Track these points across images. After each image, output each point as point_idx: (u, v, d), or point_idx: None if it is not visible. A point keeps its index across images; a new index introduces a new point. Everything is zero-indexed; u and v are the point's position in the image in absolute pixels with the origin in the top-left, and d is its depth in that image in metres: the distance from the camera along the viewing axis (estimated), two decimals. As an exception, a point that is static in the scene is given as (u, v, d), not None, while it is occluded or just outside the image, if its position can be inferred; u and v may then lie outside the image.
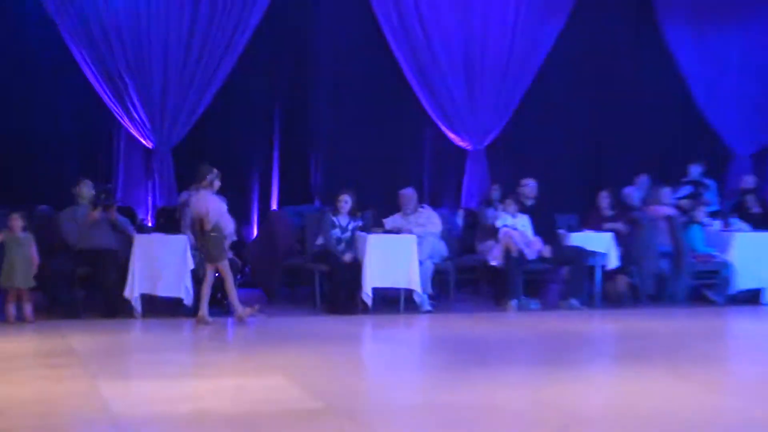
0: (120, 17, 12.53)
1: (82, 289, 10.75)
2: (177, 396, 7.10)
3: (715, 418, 6.82)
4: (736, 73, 14.93)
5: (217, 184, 10.66)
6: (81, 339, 9.33)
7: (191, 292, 10.61)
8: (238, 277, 11.16)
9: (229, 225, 10.67)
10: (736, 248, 12.47)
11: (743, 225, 12.98)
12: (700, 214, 12.85)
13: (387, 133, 13.81)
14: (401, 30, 13.57)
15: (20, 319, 9.96)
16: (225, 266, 10.41)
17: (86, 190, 10.93)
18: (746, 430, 6.57)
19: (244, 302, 10.68)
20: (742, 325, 11.74)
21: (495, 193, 12.61)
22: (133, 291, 10.53)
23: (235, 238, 11.18)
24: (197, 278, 10.59)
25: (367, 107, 13.70)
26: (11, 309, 9.98)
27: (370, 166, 13.56)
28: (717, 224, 13.03)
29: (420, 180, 13.63)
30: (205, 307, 10.26)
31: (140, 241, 10.74)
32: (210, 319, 10.24)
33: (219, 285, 10.57)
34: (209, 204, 10.47)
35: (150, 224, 12.06)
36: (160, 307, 10.73)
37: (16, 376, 7.67)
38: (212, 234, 10.37)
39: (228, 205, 10.86)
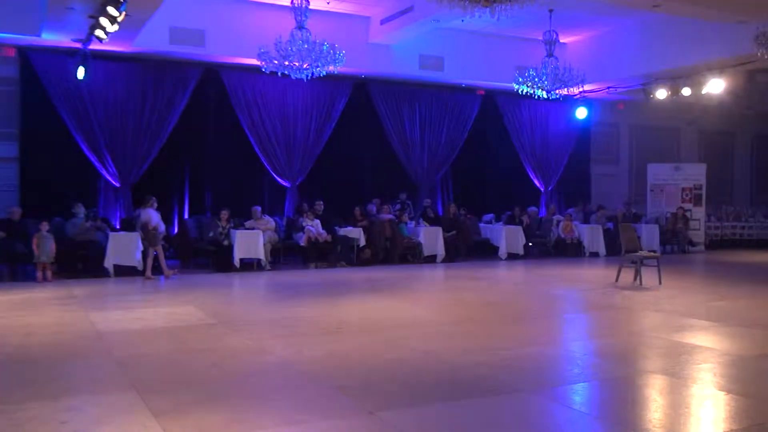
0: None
1: (81, 263, 10.62)
2: (133, 318, 7.15)
3: (414, 320, 7.23)
4: (421, 143, 14.58)
5: (155, 204, 10.71)
6: (80, 289, 9.22)
7: (141, 262, 10.53)
8: (167, 253, 10.98)
9: (161, 226, 10.69)
10: (423, 235, 12.95)
11: (425, 224, 13.39)
12: (405, 218, 13.21)
13: (245, 177, 13.22)
14: (250, 119, 13.00)
15: (45, 279, 9.89)
16: (159, 248, 10.45)
17: (80, 209, 10.82)
18: (427, 324, 7.03)
19: (169, 267, 10.66)
20: (425, 273, 11.67)
21: (301, 208, 12.54)
22: (109, 262, 10.48)
23: (164, 233, 10.93)
24: (144, 254, 10.48)
25: (235, 164, 13.07)
26: (40, 274, 9.95)
27: (237, 194, 12.87)
28: (414, 223, 13.34)
29: (263, 201, 13.02)
30: (148, 270, 10.32)
31: (113, 236, 10.66)
32: (152, 276, 10.30)
33: (156, 258, 10.45)
34: (150, 215, 10.57)
35: (117, 227, 11.59)
36: (125, 271, 10.55)
37: (42, 310, 7.72)
38: (152, 231, 10.43)
39: (161, 215, 10.89)
